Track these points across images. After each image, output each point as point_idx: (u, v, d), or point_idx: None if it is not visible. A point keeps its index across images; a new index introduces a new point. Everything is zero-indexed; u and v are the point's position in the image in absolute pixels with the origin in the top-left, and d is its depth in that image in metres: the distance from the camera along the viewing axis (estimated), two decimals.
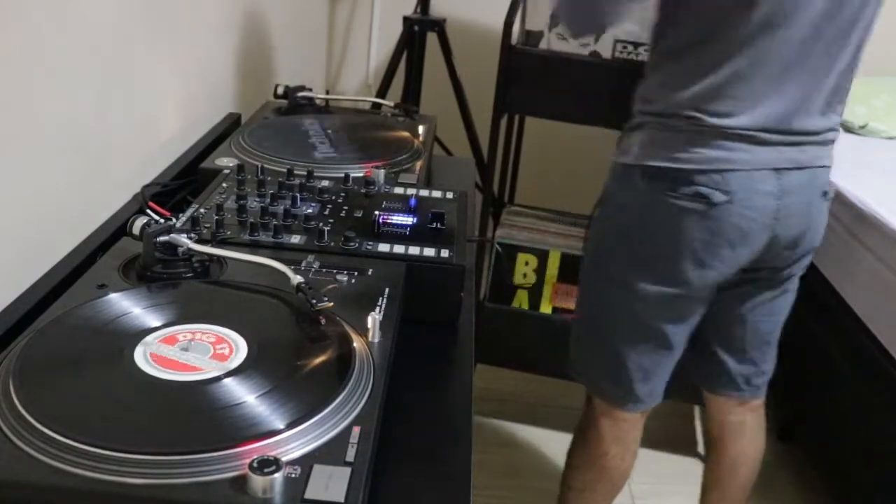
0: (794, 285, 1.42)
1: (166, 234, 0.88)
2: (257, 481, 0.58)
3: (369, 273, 0.92)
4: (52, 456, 0.60)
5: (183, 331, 0.76)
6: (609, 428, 1.47)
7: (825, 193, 1.31)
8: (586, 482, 1.52)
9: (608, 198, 1.33)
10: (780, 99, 1.19)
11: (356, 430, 0.66)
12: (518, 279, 2.09)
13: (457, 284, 0.97)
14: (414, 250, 0.98)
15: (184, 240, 0.89)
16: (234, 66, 1.66)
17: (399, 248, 0.98)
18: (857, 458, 1.81)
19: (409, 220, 1.05)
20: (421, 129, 1.43)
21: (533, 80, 1.88)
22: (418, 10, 2.45)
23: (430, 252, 0.98)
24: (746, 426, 1.55)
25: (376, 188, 1.16)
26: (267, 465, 0.58)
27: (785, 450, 2.22)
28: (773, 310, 1.44)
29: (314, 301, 0.80)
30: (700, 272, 1.27)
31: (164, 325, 0.77)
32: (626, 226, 1.30)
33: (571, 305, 2.07)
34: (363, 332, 0.79)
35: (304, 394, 0.68)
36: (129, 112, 1.19)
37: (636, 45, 1.90)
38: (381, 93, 2.44)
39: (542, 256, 2.07)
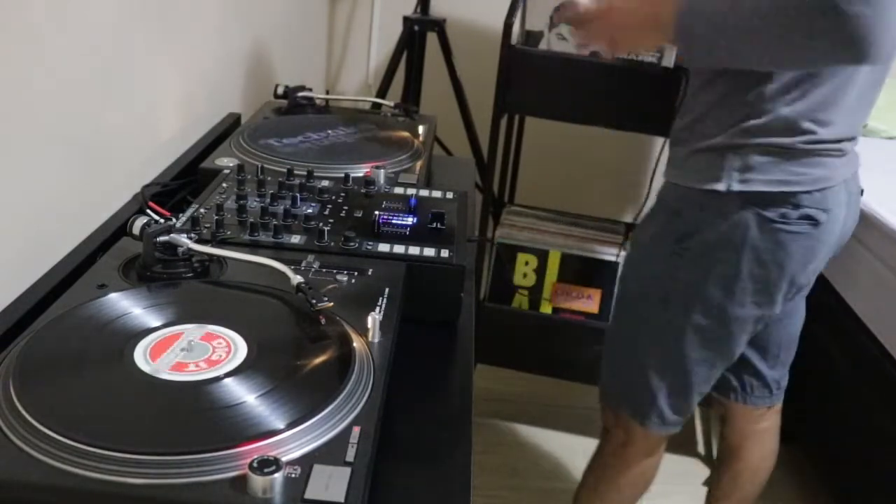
0: None
1: (166, 234, 0.88)
2: (257, 481, 0.58)
3: (369, 273, 0.92)
4: (52, 456, 0.60)
5: (183, 331, 0.76)
6: (648, 449, 1.41)
7: (861, 191, 1.30)
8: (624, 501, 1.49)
9: (693, 230, 1.18)
10: (861, 105, 1.15)
11: (356, 430, 0.66)
12: (518, 279, 2.09)
13: (457, 284, 0.97)
14: (414, 250, 0.98)
15: (184, 240, 0.89)
16: (234, 66, 1.66)
17: (399, 248, 0.98)
18: (857, 458, 1.81)
19: (409, 220, 1.05)
20: (421, 129, 1.43)
21: (533, 80, 1.88)
22: (418, 10, 2.45)
23: (430, 252, 0.98)
24: (770, 431, 1.55)
25: (376, 188, 1.16)
26: (267, 465, 0.58)
27: (785, 450, 2.21)
28: (800, 308, 1.45)
29: (314, 301, 0.80)
30: (790, 292, 1.22)
31: (164, 325, 0.77)
32: (724, 259, 1.18)
33: (571, 305, 2.08)
34: (363, 332, 0.79)
35: (304, 394, 0.68)
36: (129, 112, 1.19)
37: None
38: (381, 93, 2.44)
39: (542, 256, 2.07)
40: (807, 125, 1.10)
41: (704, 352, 1.26)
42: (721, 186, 1.13)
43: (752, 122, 1.11)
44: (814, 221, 1.14)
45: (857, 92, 1.12)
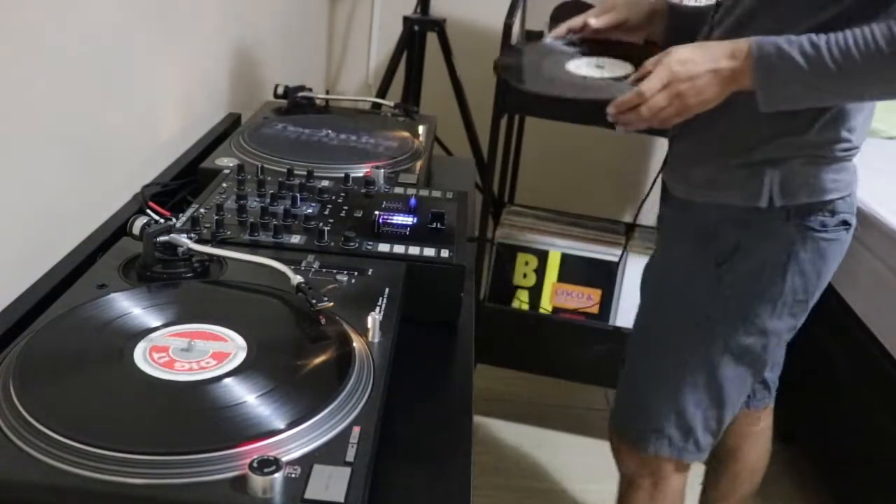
0: None
1: (166, 234, 0.88)
2: (257, 481, 0.58)
3: (369, 273, 0.92)
4: (52, 456, 0.60)
5: (183, 331, 0.76)
6: (680, 482, 1.34)
7: None
8: None
9: (734, 250, 1.12)
10: (874, 107, 1.15)
11: (356, 430, 0.66)
12: (518, 279, 2.09)
13: (457, 284, 0.97)
14: (414, 250, 0.98)
15: (184, 240, 0.89)
16: (235, 66, 1.65)
17: (399, 248, 0.98)
18: (857, 458, 1.81)
19: (409, 220, 1.05)
20: (421, 129, 1.43)
21: None
22: (418, 10, 2.45)
23: (430, 252, 0.98)
24: (766, 431, 1.54)
25: (376, 188, 1.16)
26: (267, 465, 0.58)
27: (785, 450, 2.22)
28: None
29: (314, 301, 0.80)
30: (818, 297, 1.20)
31: (164, 325, 0.77)
32: (771, 277, 1.13)
33: (571, 305, 2.08)
34: (363, 332, 0.79)
35: (304, 394, 0.68)
36: (129, 112, 1.19)
37: None
38: (381, 93, 2.44)
39: (542, 256, 2.07)
40: (844, 133, 1.09)
41: (741, 369, 1.20)
42: (763, 202, 1.09)
43: (795, 136, 1.08)
44: (848, 226, 1.13)
45: None
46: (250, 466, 0.58)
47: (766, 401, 1.48)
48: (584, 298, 2.07)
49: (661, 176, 1.30)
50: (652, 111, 1.04)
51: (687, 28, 1.18)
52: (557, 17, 1.91)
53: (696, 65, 1.02)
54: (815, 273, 1.14)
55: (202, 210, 1.03)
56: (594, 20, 1.24)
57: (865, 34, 0.94)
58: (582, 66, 1.21)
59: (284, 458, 0.60)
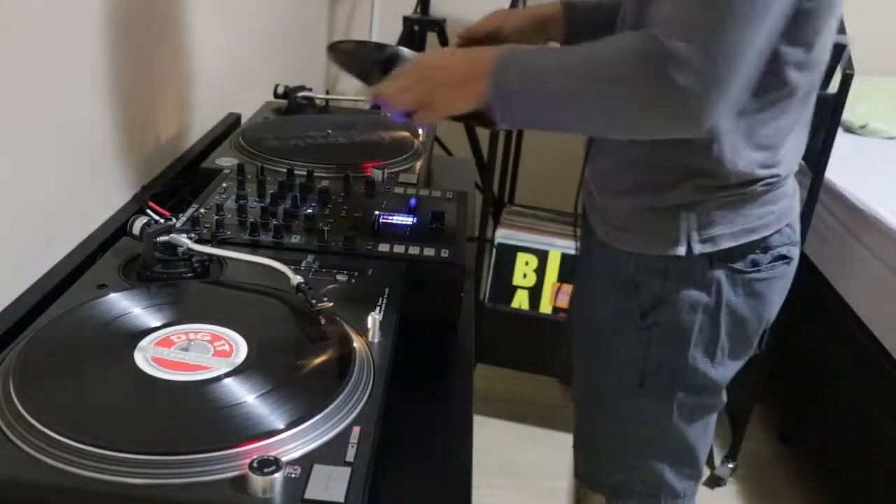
0: None
1: (166, 234, 0.88)
2: (257, 481, 0.58)
3: (369, 273, 0.92)
4: (52, 456, 0.60)
5: (183, 331, 0.76)
6: None
7: None
8: None
9: (658, 302, 1.02)
10: (803, 133, 1.04)
11: (356, 430, 0.66)
12: (518, 279, 2.09)
13: (457, 284, 0.97)
14: (414, 250, 0.98)
15: (184, 240, 0.89)
16: (235, 66, 1.65)
17: (399, 248, 0.98)
18: (857, 458, 1.81)
19: (409, 220, 1.05)
20: (421, 129, 1.43)
21: None
22: (418, 10, 2.45)
23: (429, 252, 0.98)
24: None
25: (376, 188, 1.16)
26: (267, 465, 0.58)
27: (785, 450, 2.22)
28: None
29: (314, 301, 0.80)
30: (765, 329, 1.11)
31: (165, 325, 0.77)
32: (701, 327, 1.03)
33: None
34: (363, 332, 0.79)
35: (304, 394, 0.68)
36: (129, 112, 1.19)
37: None
38: None
39: (542, 256, 2.07)
40: (763, 172, 0.97)
41: (697, 419, 1.12)
42: (681, 251, 0.98)
43: (708, 178, 0.96)
44: (787, 259, 1.03)
45: (800, 123, 1.00)
46: (250, 466, 0.58)
47: None
48: None
49: (580, 198, 1.18)
50: (393, 89, 0.95)
51: (590, 29, 0.99)
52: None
53: (444, 58, 0.99)
54: (754, 315, 1.04)
55: (202, 210, 1.03)
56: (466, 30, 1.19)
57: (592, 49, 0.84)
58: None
59: (284, 458, 0.60)
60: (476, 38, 1.16)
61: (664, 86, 0.78)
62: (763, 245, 1.00)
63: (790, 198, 1.03)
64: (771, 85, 0.91)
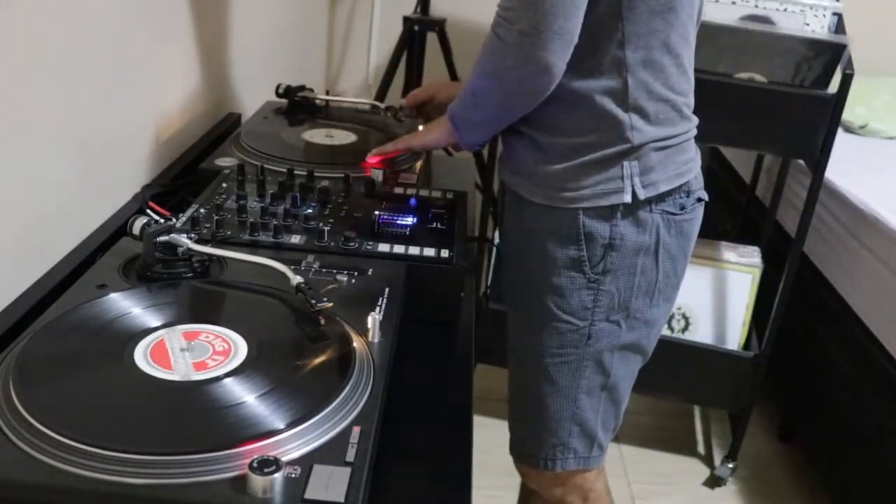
0: None
1: (166, 234, 0.89)
2: (257, 481, 0.58)
3: (369, 273, 0.92)
4: (52, 456, 0.60)
5: (183, 331, 0.76)
6: (603, 485, 1.31)
7: None
8: None
9: (606, 250, 1.10)
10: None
11: (356, 430, 0.66)
12: None
13: (457, 284, 0.97)
14: (414, 250, 0.98)
15: (184, 240, 0.89)
16: (235, 65, 1.65)
17: (399, 248, 0.98)
18: (857, 458, 1.81)
19: (409, 220, 1.05)
20: (421, 128, 1.43)
21: None
22: (418, 10, 2.45)
23: (430, 252, 0.98)
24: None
25: (376, 188, 1.16)
26: (267, 465, 0.58)
27: (785, 450, 2.22)
28: None
29: (314, 301, 0.80)
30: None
31: (164, 325, 0.77)
32: (645, 269, 1.12)
33: None
34: (363, 332, 0.79)
35: (304, 394, 0.68)
36: (129, 112, 1.19)
37: None
38: (381, 93, 2.44)
39: None
40: (687, 113, 1.11)
41: (631, 364, 1.20)
42: (627, 197, 1.07)
43: (651, 123, 1.07)
44: (702, 201, 1.16)
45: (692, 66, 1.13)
46: (250, 466, 0.58)
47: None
48: None
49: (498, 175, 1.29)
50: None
51: None
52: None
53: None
54: (681, 253, 1.16)
55: (202, 210, 1.03)
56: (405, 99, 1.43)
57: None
58: (315, 135, 1.41)
59: (284, 458, 0.60)
60: (419, 102, 1.40)
61: (503, 44, 1.01)
62: (686, 188, 1.12)
63: (697, 149, 1.17)
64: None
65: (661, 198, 1.10)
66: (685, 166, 1.12)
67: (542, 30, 0.96)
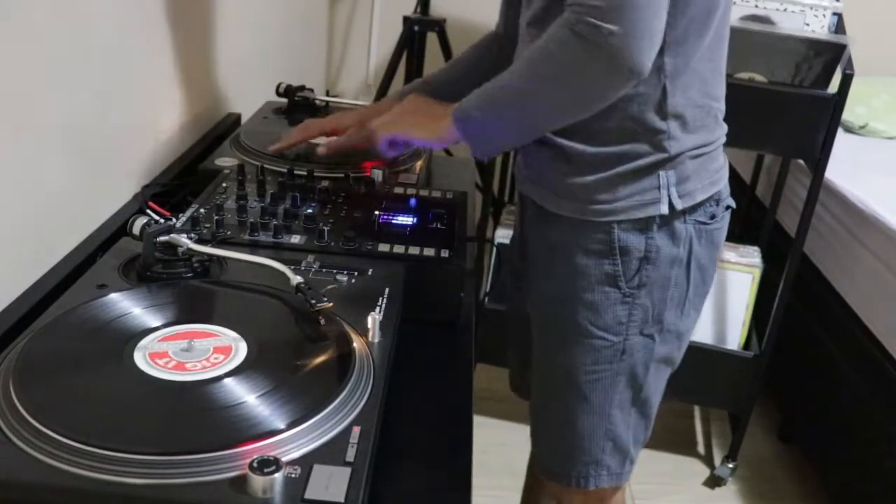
0: None
1: (166, 234, 0.89)
2: (257, 481, 0.58)
3: (369, 273, 0.92)
4: (52, 456, 0.60)
5: (183, 331, 0.76)
6: (621, 495, 1.28)
7: None
8: None
9: (641, 263, 1.07)
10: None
11: (356, 430, 0.66)
12: None
13: (457, 284, 0.97)
14: (414, 250, 0.98)
15: (184, 240, 0.89)
16: (234, 65, 1.65)
17: (399, 248, 0.98)
18: (856, 458, 1.81)
19: (409, 220, 1.05)
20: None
21: None
22: (418, 10, 2.45)
23: (430, 252, 0.98)
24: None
25: (376, 188, 1.16)
26: (267, 465, 0.58)
27: (785, 450, 2.22)
28: None
29: (314, 301, 0.80)
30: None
31: (164, 325, 0.77)
32: (678, 281, 1.10)
33: None
34: (363, 332, 0.79)
35: (304, 394, 0.68)
36: (129, 112, 1.19)
37: None
38: (381, 93, 2.44)
39: None
40: (720, 116, 1.09)
41: (662, 376, 1.18)
42: (664, 208, 1.04)
43: (689, 132, 1.03)
44: (730, 208, 1.14)
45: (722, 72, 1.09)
46: (250, 466, 0.58)
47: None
48: None
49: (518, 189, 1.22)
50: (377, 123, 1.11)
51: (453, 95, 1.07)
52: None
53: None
54: (710, 262, 1.14)
55: (202, 210, 1.03)
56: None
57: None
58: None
59: (284, 458, 0.60)
60: (344, 127, 1.24)
61: (587, 45, 0.88)
62: (716, 197, 1.10)
63: (726, 158, 1.14)
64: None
65: (694, 208, 1.07)
66: (717, 174, 1.09)
67: (638, 29, 0.88)
